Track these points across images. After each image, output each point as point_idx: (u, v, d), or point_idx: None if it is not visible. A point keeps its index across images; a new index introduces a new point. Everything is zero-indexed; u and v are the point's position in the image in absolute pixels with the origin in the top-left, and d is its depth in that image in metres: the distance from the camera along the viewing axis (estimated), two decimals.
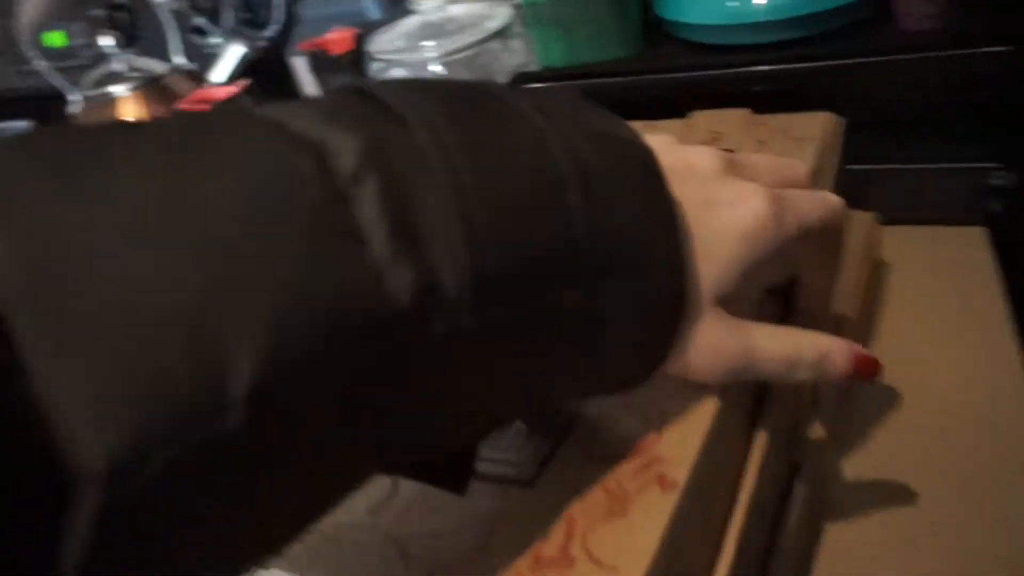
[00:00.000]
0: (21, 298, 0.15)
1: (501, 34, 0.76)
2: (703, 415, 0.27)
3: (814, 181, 0.32)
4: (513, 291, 0.20)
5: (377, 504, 0.28)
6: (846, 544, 0.37)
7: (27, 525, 0.15)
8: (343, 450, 0.19)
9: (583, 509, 0.25)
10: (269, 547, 0.20)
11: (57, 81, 0.88)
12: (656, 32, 0.63)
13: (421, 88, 0.22)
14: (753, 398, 0.32)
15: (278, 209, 0.17)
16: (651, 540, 0.23)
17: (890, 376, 0.44)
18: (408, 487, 0.29)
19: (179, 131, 0.19)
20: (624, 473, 0.26)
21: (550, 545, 0.24)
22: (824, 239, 0.29)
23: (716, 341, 0.26)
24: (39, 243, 0.15)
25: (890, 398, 0.43)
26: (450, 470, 0.25)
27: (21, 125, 0.97)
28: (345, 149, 0.19)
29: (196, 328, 0.16)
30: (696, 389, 0.28)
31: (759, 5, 0.54)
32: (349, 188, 0.18)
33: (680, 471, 0.25)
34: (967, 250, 0.52)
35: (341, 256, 0.18)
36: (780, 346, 0.27)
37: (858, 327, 0.44)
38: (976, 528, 0.36)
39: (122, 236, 0.16)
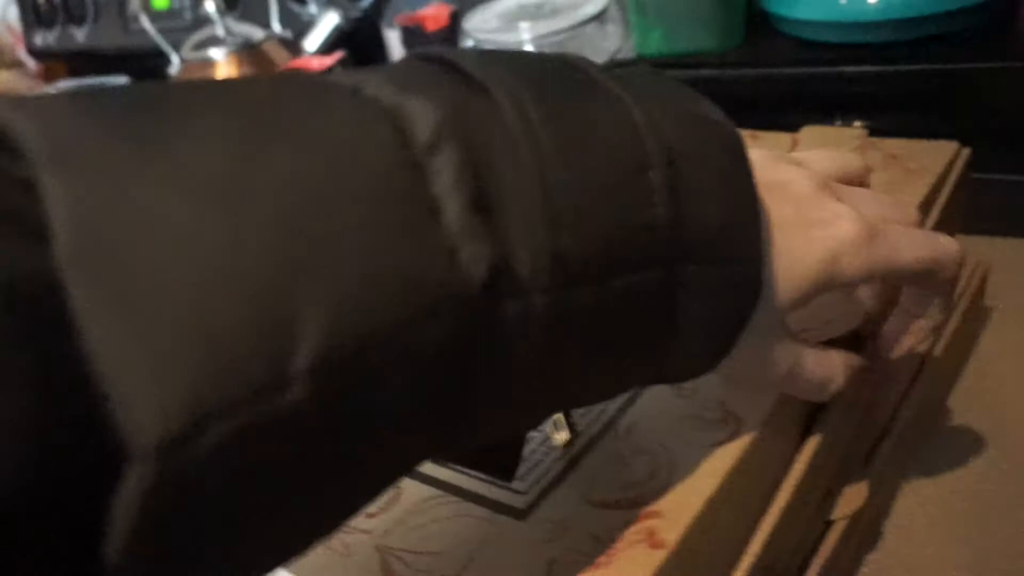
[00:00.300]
0: (78, 255, 0.14)
1: (597, 19, 0.76)
2: (712, 474, 0.26)
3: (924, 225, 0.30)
4: (589, 273, 0.19)
5: (377, 509, 0.28)
6: (921, 569, 0.36)
7: (73, 496, 0.14)
8: (405, 431, 0.18)
9: (566, 553, 0.25)
10: (321, 530, 0.19)
11: (160, 41, 0.91)
12: (760, 26, 0.62)
13: (503, 58, 0.21)
14: (782, 457, 0.31)
15: (351, 177, 0.17)
16: None
17: (971, 400, 0.43)
18: (408, 499, 0.29)
19: (257, 95, 0.18)
20: (616, 523, 0.25)
21: None
22: (926, 284, 0.28)
23: (772, 355, 0.26)
24: (102, 199, 0.14)
25: (973, 421, 0.42)
26: (498, 457, 0.24)
27: (121, 80, 1.01)
28: (422, 117, 0.18)
29: (263, 296, 0.15)
30: (712, 444, 0.27)
31: (873, 4, 0.52)
32: (425, 157, 0.18)
33: (673, 532, 0.24)
34: None
35: (414, 227, 0.17)
36: (821, 372, 0.27)
37: (943, 364, 0.43)
38: None
39: (191, 197, 0.15)
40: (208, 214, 0.15)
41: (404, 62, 0.21)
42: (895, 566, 0.36)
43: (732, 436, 0.28)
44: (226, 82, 0.19)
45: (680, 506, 0.25)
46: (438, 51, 0.21)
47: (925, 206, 0.37)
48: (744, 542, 0.28)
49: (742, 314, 0.24)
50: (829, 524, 0.33)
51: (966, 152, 0.41)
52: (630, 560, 0.24)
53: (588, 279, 0.19)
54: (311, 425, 0.16)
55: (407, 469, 0.20)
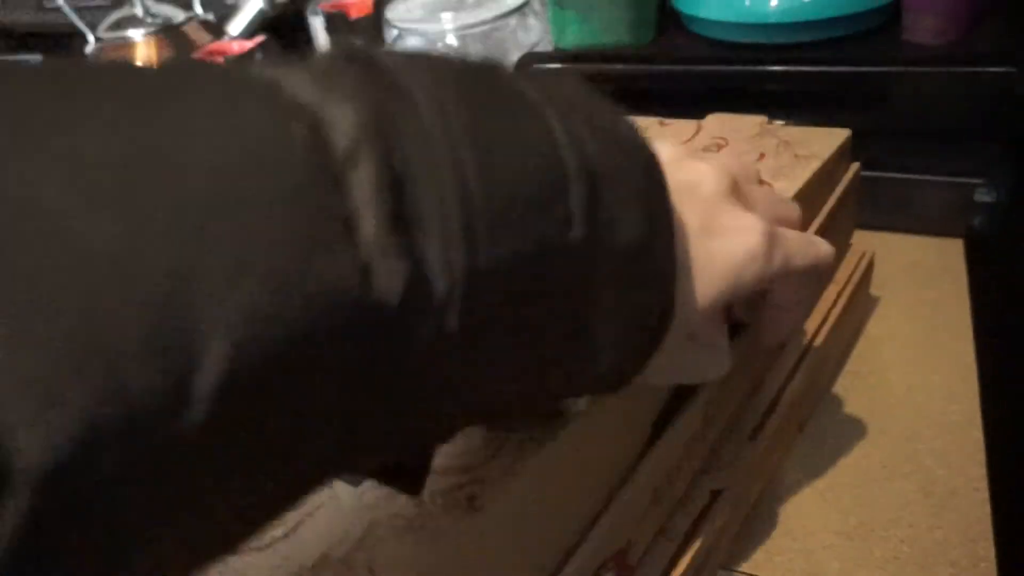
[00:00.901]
0: None
1: (519, 12, 0.77)
2: (542, 442, 0.26)
3: (806, 223, 0.33)
4: (504, 294, 0.19)
5: None
6: (805, 536, 0.38)
7: None
8: (311, 453, 0.18)
9: (388, 516, 0.25)
10: (216, 550, 0.18)
11: (75, 20, 0.89)
12: (671, 24, 0.65)
13: (428, 62, 0.20)
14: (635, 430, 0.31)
15: (262, 179, 0.15)
16: (432, 560, 0.23)
17: (856, 381, 0.47)
18: None
19: (159, 80, 0.17)
20: (440, 487, 0.25)
21: (341, 547, 0.24)
22: (804, 283, 0.30)
23: (678, 366, 0.27)
24: None
25: (857, 400, 0.46)
26: (407, 469, 0.24)
27: (36, 59, 0.98)
28: (343, 121, 0.17)
29: (161, 309, 0.14)
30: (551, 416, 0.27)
31: (773, 6, 0.55)
32: (343, 166, 0.16)
33: (492, 495, 0.25)
34: (946, 261, 0.54)
35: (328, 243, 0.16)
36: (714, 363, 0.29)
37: (831, 348, 0.45)
38: (934, 523, 0.38)
39: (79, 195, 0.13)
40: (98, 210, 0.13)
41: (326, 58, 0.20)
42: (780, 534, 0.38)
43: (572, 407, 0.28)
44: (129, 64, 0.17)
45: (506, 471, 0.25)
46: (363, 49, 0.20)
47: (817, 185, 0.40)
48: (589, 515, 0.29)
49: (655, 337, 0.24)
50: (717, 494, 0.36)
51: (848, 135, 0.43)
52: (446, 524, 0.24)
53: (503, 300, 0.19)
54: (213, 446, 0.15)
55: (310, 487, 0.19)
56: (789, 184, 0.38)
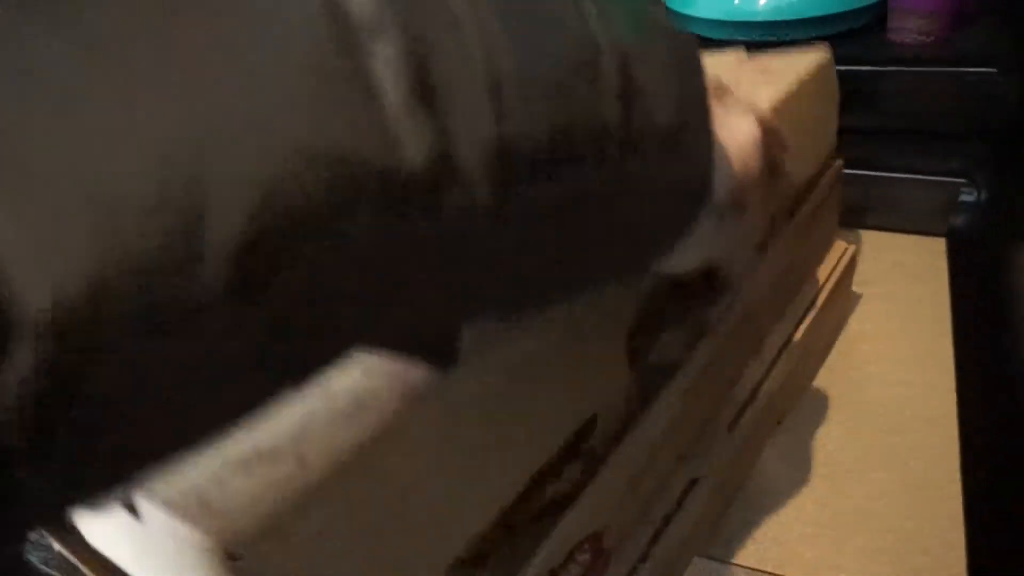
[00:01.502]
0: None
1: None
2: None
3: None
4: (536, 169, 0.19)
5: None
6: (781, 525, 0.39)
7: None
8: (336, 322, 0.18)
9: (325, 408, 0.25)
10: (229, 422, 0.18)
11: None
12: None
13: None
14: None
15: (280, 46, 0.15)
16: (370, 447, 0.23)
17: (836, 376, 0.47)
18: None
19: None
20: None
21: (273, 439, 0.24)
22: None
23: (707, 246, 0.27)
24: None
25: (837, 395, 0.46)
26: (437, 345, 0.24)
27: None
28: None
29: (175, 168, 0.13)
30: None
31: (761, 5, 0.56)
32: (364, 35, 0.16)
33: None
34: (928, 259, 0.55)
35: (350, 107, 0.16)
36: (740, 254, 0.30)
37: (812, 342, 0.46)
38: (908, 514, 0.39)
39: (90, 63, 0.13)
40: (107, 75, 0.13)
41: None
42: (756, 522, 0.39)
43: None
44: None
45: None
46: None
47: (794, 108, 0.39)
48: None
49: (690, 215, 0.25)
50: (695, 482, 0.36)
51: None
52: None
53: (534, 175, 0.19)
54: (229, 310, 0.15)
55: (331, 357, 0.19)
56: (771, 92, 0.38)
